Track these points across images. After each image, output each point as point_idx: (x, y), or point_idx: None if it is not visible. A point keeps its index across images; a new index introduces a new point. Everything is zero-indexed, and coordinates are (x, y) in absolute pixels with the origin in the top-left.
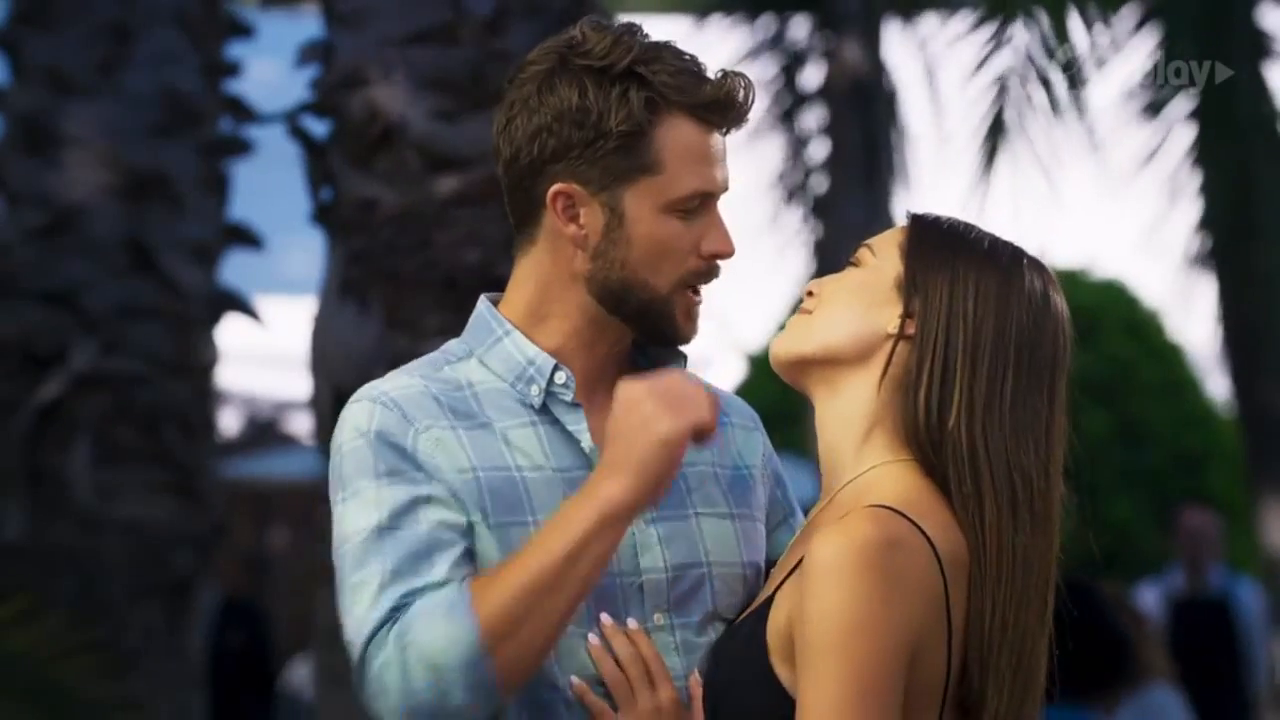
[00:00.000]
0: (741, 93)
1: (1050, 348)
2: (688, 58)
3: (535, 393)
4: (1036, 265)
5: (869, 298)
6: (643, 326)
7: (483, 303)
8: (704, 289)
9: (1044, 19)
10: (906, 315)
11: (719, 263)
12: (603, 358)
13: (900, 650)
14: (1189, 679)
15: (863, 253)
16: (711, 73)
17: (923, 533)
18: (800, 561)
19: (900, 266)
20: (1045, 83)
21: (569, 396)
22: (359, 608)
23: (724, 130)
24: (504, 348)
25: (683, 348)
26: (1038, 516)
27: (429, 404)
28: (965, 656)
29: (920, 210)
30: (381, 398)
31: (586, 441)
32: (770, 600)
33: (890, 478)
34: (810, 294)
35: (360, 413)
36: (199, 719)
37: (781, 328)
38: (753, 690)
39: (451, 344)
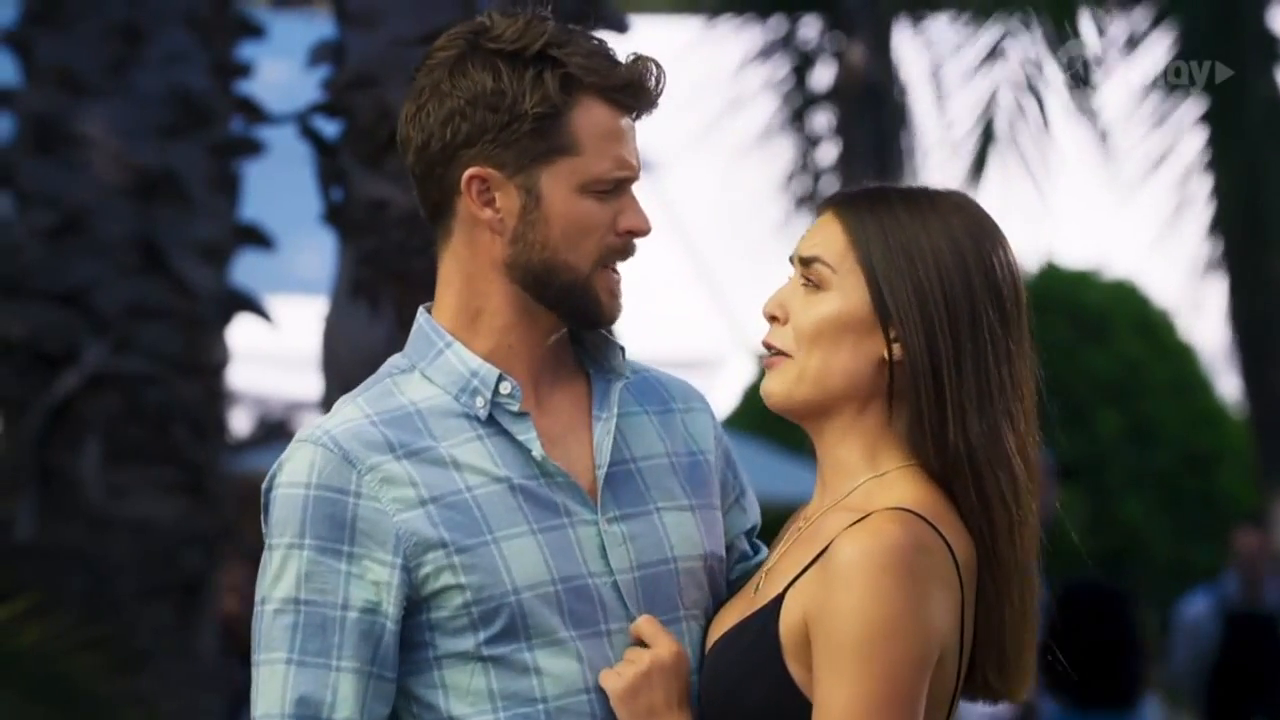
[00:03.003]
0: (653, 77)
1: (1011, 294)
2: (598, 42)
3: (480, 405)
4: (966, 212)
5: (853, 333)
6: (568, 309)
7: (421, 313)
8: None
9: (1045, 22)
10: (891, 341)
11: (635, 241)
12: (542, 356)
13: (928, 654)
14: (1238, 687)
15: (821, 271)
16: (622, 57)
17: (941, 535)
18: (812, 562)
19: (867, 293)
20: (1036, 93)
21: (515, 406)
22: (265, 699)
23: (635, 114)
24: (446, 360)
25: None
26: (1033, 488)
27: (373, 437)
28: (973, 659)
29: (848, 203)
30: (324, 439)
31: (537, 450)
32: (780, 599)
33: (903, 482)
34: (775, 318)
35: (301, 459)
36: (209, 719)
37: (760, 364)
38: (766, 691)
39: (395, 359)
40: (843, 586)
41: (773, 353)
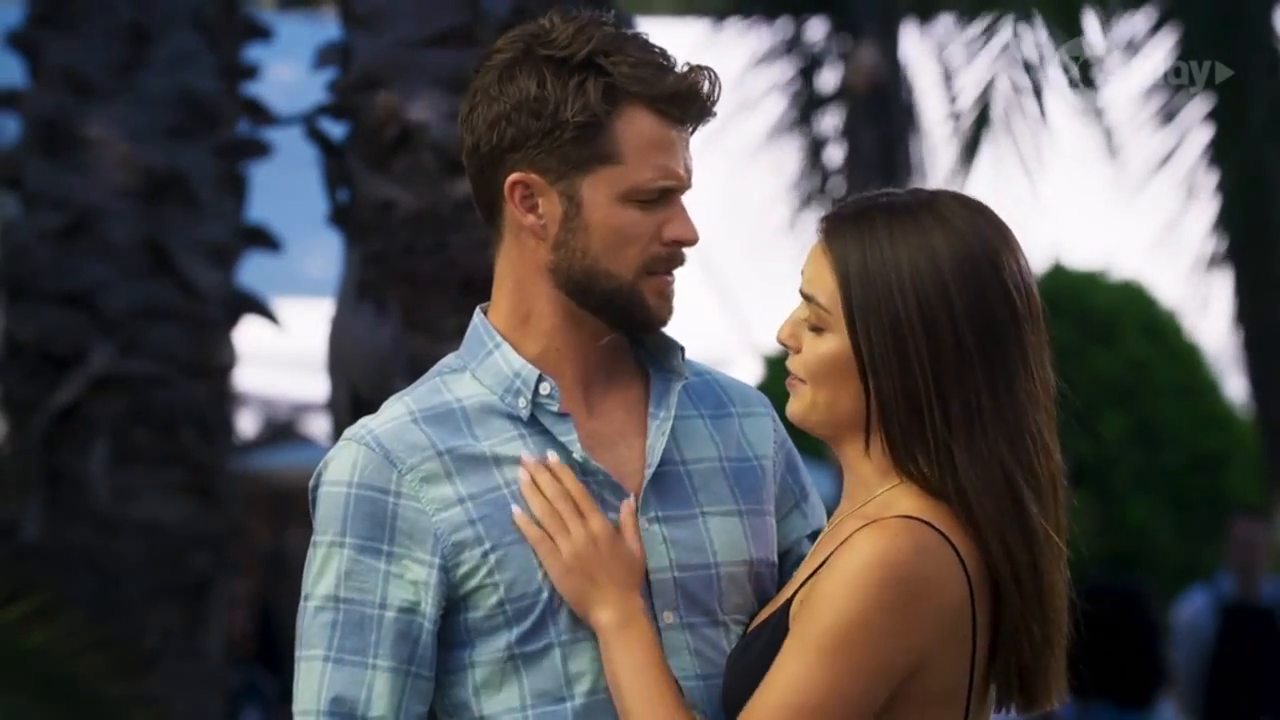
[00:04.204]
0: (706, 86)
1: (1003, 309)
2: (656, 50)
3: (522, 405)
4: (952, 226)
5: (842, 375)
6: (613, 315)
7: (476, 314)
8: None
9: (1044, 22)
10: (868, 386)
11: (684, 250)
12: (593, 359)
13: (894, 664)
14: (1237, 684)
15: (819, 313)
16: (678, 66)
17: (950, 543)
18: (823, 563)
19: (848, 342)
20: (1037, 91)
21: (555, 407)
22: (302, 695)
23: (687, 123)
24: (494, 361)
25: (679, 338)
26: (1047, 505)
27: (415, 435)
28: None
29: (835, 232)
30: (367, 438)
31: (578, 451)
32: (791, 602)
33: (915, 492)
34: (788, 344)
35: (345, 458)
36: (216, 719)
37: (782, 368)
38: None
39: (448, 359)
40: (831, 583)
41: (790, 378)
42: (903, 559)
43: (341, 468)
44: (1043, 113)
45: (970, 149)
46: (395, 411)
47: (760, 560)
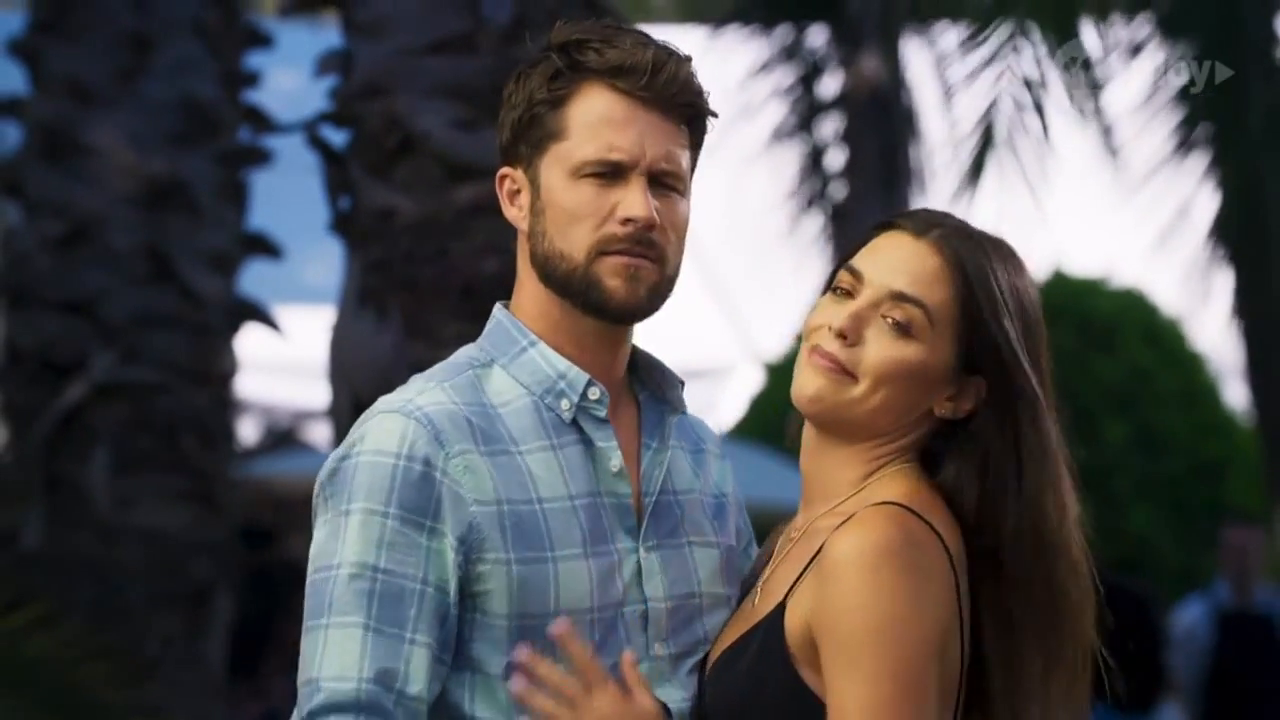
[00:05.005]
0: (667, 63)
1: (1046, 346)
2: (640, 38)
3: (565, 407)
4: (1020, 258)
5: (926, 383)
6: (576, 300)
7: (499, 309)
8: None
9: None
10: (952, 399)
11: (649, 232)
12: (614, 371)
13: (933, 644)
14: (1234, 691)
15: (917, 317)
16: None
17: (930, 527)
18: (808, 566)
19: (953, 354)
20: (1038, 106)
21: (601, 413)
22: (333, 662)
23: (651, 102)
24: (530, 359)
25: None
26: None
27: (462, 425)
28: (979, 652)
29: (948, 241)
30: (416, 413)
31: (616, 461)
32: (782, 607)
33: (894, 480)
34: (844, 336)
35: (392, 427)
36: None
37: (811, 361)
38: (781, 699)
39: (469, 351)
40: (842, 584)
41: (831, 364)
42: (899, 546)
43: (387, 438)
44: (1045, 128)
45: (974, 164)
46: (438, 396)
47: (731, 594)
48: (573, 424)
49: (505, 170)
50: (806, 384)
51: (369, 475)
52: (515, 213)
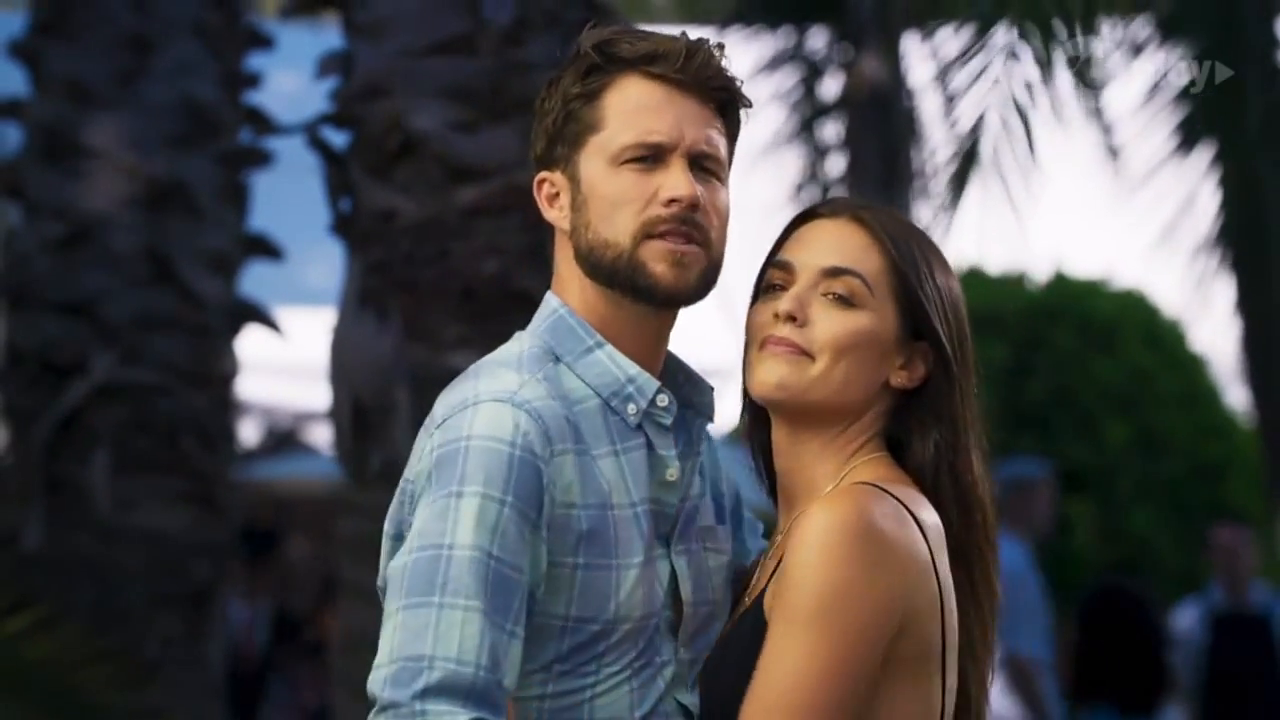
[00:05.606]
0: (698, 46)
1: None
2: (673, 35)
3: (632, 411)
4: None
5: (879, 351)
6: (624, 287)
7: (556, 300)
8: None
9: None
10: (904, 368)
11: (693, 213)
12: (655, 374)
13: (881, 621)
14: (1229, 692)
15: (855, 286)
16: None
17: (905, 506)
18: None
19: (896, 320)
20: (1024, 117)
21: (667, 420)
22: (449, 642)
23: (685, 86)
24: (598, 360)
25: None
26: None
27: (562, 423)
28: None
29: (873, 219)
30: (525, 405)
31: (675, 470)
32: (761, 600)
33: (869, 466)
34: (793, 318)
35: (504, 416)
36: None
37: (767, 351)
38: None
39: (535, 342)
40: (798, 556)
41: (788, 347)
42: (864, 518)
43: (500, 426)
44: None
45: (969, 163)
46: (539, 390)
47: (732, 598)
48: (637, 429)
49: (543, 175)
50: (768, 374)
51: (484, 460)
52: (555, 214)
